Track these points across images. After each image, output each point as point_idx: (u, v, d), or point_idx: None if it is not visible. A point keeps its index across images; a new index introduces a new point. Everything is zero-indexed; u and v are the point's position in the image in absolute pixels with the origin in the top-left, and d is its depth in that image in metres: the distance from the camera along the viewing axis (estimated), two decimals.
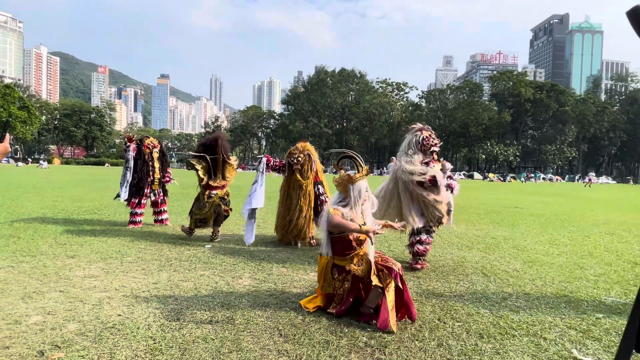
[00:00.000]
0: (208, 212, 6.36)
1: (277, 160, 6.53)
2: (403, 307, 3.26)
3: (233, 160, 6.68)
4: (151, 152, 7.56)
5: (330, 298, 3.44)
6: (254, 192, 5.87)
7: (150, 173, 7.55)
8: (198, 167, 6.32)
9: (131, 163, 7.39)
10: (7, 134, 1.82)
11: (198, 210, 6.39)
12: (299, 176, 6.10)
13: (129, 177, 7.35)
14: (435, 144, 4.98)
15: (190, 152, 6.56)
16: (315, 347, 2.78)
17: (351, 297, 3.35)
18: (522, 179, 55.99)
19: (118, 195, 7.44)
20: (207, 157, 6.37)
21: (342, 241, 3.33)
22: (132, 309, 3.33)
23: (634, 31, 0.97)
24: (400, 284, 3.22)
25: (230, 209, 6.69)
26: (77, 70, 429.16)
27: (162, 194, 7.78)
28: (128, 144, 7.49)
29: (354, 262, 3.36)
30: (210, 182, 6.37)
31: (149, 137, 7.75)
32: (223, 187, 6.51)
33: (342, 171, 3.52)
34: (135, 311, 3.29)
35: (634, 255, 6.26)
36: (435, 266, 5.16)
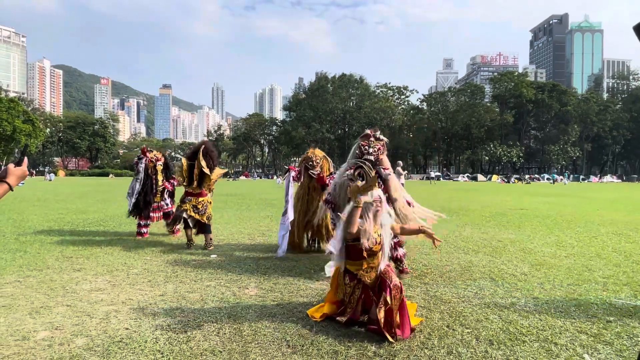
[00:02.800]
0: (177, 213, 6.48)
1: (295, 169, 6.52)
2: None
3: (217, 171, 6.61)
4: (154, 166, 7.60)
5: (340, 305, 3.41)
6: (287, 212, 6.03)
7: (154, 186, 7.59)
8: (183, 169, 6.41)
9: (142, 175, 7.48)
10: (25, 158, 1.84)
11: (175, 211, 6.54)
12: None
13: (138, 187, 7.44)
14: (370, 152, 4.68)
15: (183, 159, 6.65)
16: (324, 357, 2.76)
17: (360, 307, 3.33)
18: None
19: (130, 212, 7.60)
20: (183, 161, 6.44)
21: (353, 250, 3.31)
22: (140, 322, 3.32)
23: None
24: (389, 298, 3.10)
25: (204, 219, 6.50)
26: (80, 82, 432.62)
27: (170, 206, 7.80)
28: (141, 156, 7.61)
29: (364, 267, 3.31)
30: (187, 188, 6.48)
31: (152, 151, 7.79)
32: (198, 195, 6.48)
33: (359, 181, 3.53)
34: (143, 324, 3.28)
35: None
36: (443, 271, 5.13)
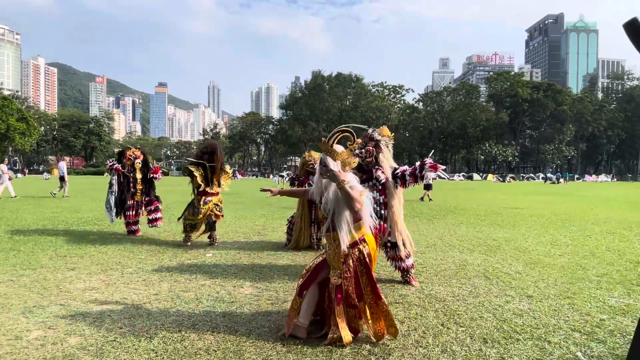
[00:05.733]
0: (202, 218, 6.53)
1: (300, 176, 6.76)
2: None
3: (228, 168, 6.90)
4: (133, 164, 7.54)
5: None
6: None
7: (131, 185, 7.50)
8: (197, 173, 6.46)
9: (115, 187, 7.43)
10: None
11: (192, 216, 6.54)
12: None
13: (112, 201, 7.38)
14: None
15: (189, 159, 6.66)
16: (319, 356, 2.76)
17: (316, 277, 3.13)
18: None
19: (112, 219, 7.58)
20: (206, 164, 6.51)
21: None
22: (134, 322, 3.31)
23: (631, 43, 0.96)
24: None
25: (222, 215, 6.83)
26: (75, 80, 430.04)
27: (151, 197, 7.69)
28: (114, 164, 7.55)
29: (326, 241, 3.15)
30: (207, 189, 6.53)
31: (130, 148, 7.72)
32: (217, 194, 6.70)
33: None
34: (137, 323, 3.27)
35: (635, 255, 6.24)
36: (437, 270, 5.14)
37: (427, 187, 17.18)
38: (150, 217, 7.62)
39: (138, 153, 7.68)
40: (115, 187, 7.41)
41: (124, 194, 7.44)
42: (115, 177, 7.47)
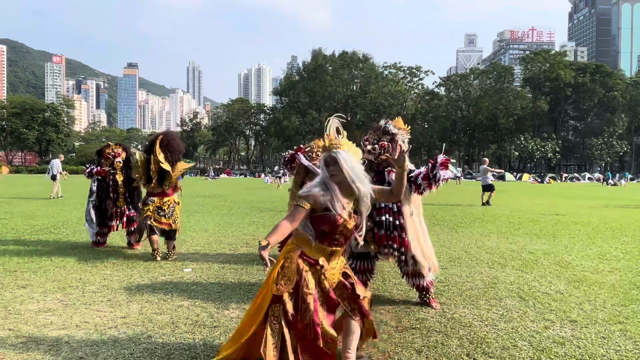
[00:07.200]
0: (140, 221, 6.63)
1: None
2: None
3: (180, 165, 6.69)
4: (112, 163, 7.53)
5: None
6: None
7: (112, 189, 7.50)
8: (134, 165, 6.64)
9: (95, 196, 7.49)
10: None
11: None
12: None
13: (92, 212, 7.41)
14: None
15: (135, 150, 6.75)
16: None
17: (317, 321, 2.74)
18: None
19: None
20: (138, 155, 6.58)
21: (324, 222, 2.79)
22: (97, 350, 3.31)
23: None
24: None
25: (174, 225, 6.68)
26: (27, 60, 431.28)
27: (133, 211, 7.70)
28: (93, 168, 7.59)
29: (331, 259, 2.89)
30: (144, 185, 6.67)
31: (110, 146, 7.74)
32: (162, 195, 6.62)
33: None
34: (101, 352, 3.28)
35: None
36: (462, 289, 5.15)
37: (488, 188, 17.44)
38: (131, 240, 7.58)
39: (119, 150, 7.64)
40: (95, 196, 7.49)
41: (104, 201, 7.47)
42: (96, 183, 7.53)
